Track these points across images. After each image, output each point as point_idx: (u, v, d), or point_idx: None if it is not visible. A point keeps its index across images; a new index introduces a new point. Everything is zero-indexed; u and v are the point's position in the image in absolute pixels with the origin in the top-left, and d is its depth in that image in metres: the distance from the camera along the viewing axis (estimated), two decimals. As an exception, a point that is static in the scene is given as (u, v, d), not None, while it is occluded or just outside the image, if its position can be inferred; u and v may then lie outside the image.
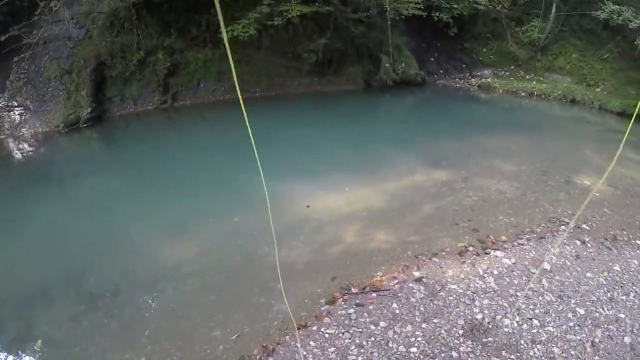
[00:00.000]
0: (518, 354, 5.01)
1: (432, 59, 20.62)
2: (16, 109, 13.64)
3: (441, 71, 20.34)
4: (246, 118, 2.11)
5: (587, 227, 8.02)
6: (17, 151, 12.48)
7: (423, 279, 6.17)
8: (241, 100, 2.13)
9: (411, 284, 6.06)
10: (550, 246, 7.16)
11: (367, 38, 17.48)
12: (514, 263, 6.61)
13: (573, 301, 6.02)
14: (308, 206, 8.36)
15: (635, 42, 17.61)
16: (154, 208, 8.61)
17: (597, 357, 5.17)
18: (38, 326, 5.70)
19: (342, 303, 5.76)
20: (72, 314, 5.85)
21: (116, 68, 14.26)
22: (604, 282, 6.59)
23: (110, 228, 7.93)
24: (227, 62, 15.20)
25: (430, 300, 5.75)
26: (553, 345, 5.21)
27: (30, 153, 12.44)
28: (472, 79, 19.75)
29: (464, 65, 20.72)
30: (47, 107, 13.67)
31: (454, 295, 5.84)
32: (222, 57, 15.54)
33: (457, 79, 19.83)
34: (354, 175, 9.75)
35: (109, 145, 13.06)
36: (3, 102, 13.48)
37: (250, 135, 2.27)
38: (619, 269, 7.01)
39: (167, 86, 14.93)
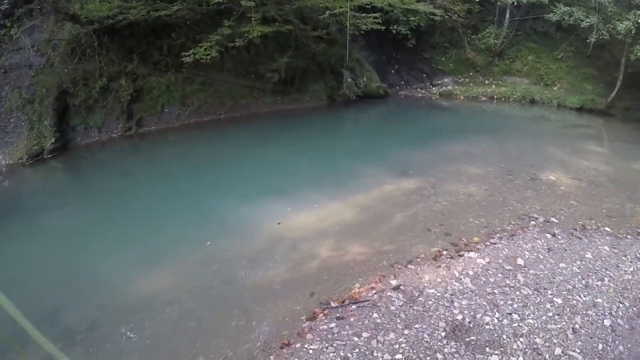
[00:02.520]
0: (502, 349, 5.16)
1: (393, 71, 21.19)
2: (-23, 140, 13.28)
3: (402, 82, 20.91)
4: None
5: (556, 220, 8.35)
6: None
7: (401, 287, 6.28)
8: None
9: (389, 293, 6.16)
10: (522, 242, 7.40)
11: (328, 54, 17.90)
12: (488, 262, 6.82)
13: (550, 292, 6.25)
14: (279, 223, 8.42)
15: (588, 40, 18.65)
16: (125, 238, 8.48)
17: (579, 343, 5.39)
18: (14, 370, 5.53)
19: (323, 318, 5.81)
20: (49, 352, 5.69)
21: (79, 96, 14.06)
22: (578, 271, 6.86)
23: (82, 262, 7.75)
24: (190, 85, 15.48)
25: (410, 306, 5.86)
26: (535, 336, 5.39)
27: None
28: (433, 88, 20.40)
29: (424, 75, 21.37)
30: (10, 139, 13.31)
31: (433, 299, 5.97)
32: (185, 80, 15.59)
33: (419, 89, 20.44)
34: (324, 190, 9.88)
35: (75, 176, 12.83)
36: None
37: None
38: (591, 257, 7.32)
39: (131, 113, 14.81)
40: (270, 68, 16.37)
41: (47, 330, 6.14)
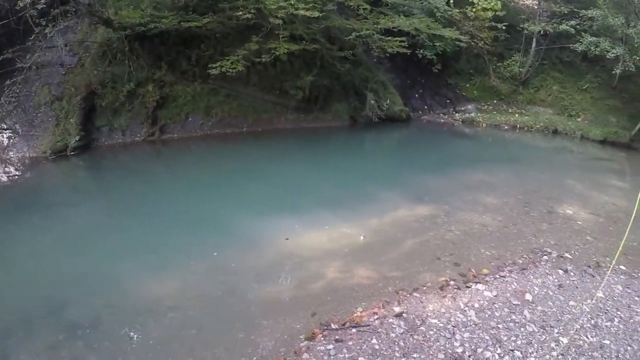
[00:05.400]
0: (501, 387, 5.05)
1: (416, 95, 21.16)
2: (5, 131, 13.71)
3: (425, 107, 20.85)
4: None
5: (569, 256, 8.16)
6: (3, 174, 12.44)
7: (403, 314, 6.22)
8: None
9: (391, 319, 6.10)
10: (532, 277, 7.26)
11: (352, 75, 18.06)
12: (495, 295, 6.69)
13: (556, 330, 6.08)
14: (287, 239, 8.45)
15: (613, 72, 18.44)
16: (137, 241, 8.65)
17: None
18: (16, 355, 5.65)
19: (322, 339, 5.77)
20: (51, 343, 5.81)
21: (106, 98, 14.49)
22: (588, 310, 6.66)
23: (93, 260, 7.94)
24: (215, 96, 15.79)
25: (410, 335, 5.79)
26: (536, 375, 5.25)
27: (16, 177, 12.40)
28: (456, 114, 20.27)
29: (447, 101, 21.29)
30: (36, 133, 13.79)
31: (434, 330, 5.88)
32: (210, 91, 15.90)
33: (442, 114, 20.34)
34: (337, 211, 9.87)
35: (95, 175, 13.17)
36: (-8, 124, 13.67)
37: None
38: (603, 296, 7.11)
39: (155, 118, 15.16)
40: (295, 85, 16.61)
41: (52, 322, 6.34)
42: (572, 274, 7.60)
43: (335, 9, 17.18)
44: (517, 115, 20.04)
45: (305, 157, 14.36)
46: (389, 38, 16.45)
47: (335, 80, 17.70)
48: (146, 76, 15.15)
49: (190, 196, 11.07)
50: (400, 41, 16.46)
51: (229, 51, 15.00)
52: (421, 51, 18.85)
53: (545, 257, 8.05)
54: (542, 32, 20.24)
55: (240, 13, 13.89)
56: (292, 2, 14.03)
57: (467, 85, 21.82)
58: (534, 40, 20.69)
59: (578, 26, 19.32)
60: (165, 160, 14.20)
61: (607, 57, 18.21)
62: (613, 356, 5.77)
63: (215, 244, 8.31)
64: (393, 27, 16.76)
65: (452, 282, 7.07)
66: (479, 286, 6.93)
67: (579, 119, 19.80)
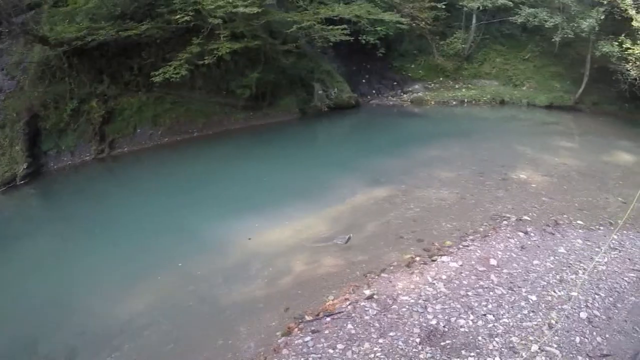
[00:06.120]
0: (478, 351, 5.19)
1: (363, 81, 21.46)
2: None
3: (374, 91, 21.15)
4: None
5: (528, 218, 8.49)
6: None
7: (374, 296, 6.29)
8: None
9: (363, 303, 6.17)
10: (494, 242, 7.49)
11: (298, 68, 18.10)
12: (461, 265, 6.88)
13: (524, 290, 6.32)
14: (249, 239, 8.43)
15: (553, 40, 19.23)
16: (101, 263, 8.41)
17: (556, 338, 5.46)
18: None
19: (298, 332, 5.80)
20: None
21: (50, 119, 13.97)
22: (552, 266, 6.97)
23: (59, 288, 7.70)
24: (162, 105, 15.43)
25: (384, 315, 5.87)
26: (511, 335, 5.44)
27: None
28: (404, 95, 20.70)
29: (395, 83, 21.68)
30: None
31: (407, 306, 5.99)
32: (156, 100, 15.57)
33: (390, 97, 20.72)
34: (297, 204, 9.91)
35: (49, 202, 12.69)
36: None
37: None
38: (565, 251, 7.46)
39: (103, 135, 14.70)
40: (241, 84, 16.47)
41: (26, 360, 6.09)
42: (532, 234, 7.91)
43: (274, 3, 17.12)
44: (464, 90, 20.64)
45: (259, 154, 14.28)
46: (331, 27, 16.52)
47: (281, 74, 17.66)
48: (89, 92, 14.67)
49: (147, 209, 10.84)
50: (342, 29, 16.56)
51: (171, 56, 14.68)
52: (364, 37, 19.01)
53: (505, 222, 8.35)
54: (481, 8, 20.78)
55: (179, 16, 13.58)
56: (230, 0, 13.85)
57: (413, 66, 22.24)
58: (474, 16, 21.29)
59: None
60: (117, 177, 13.81)
61: (546, 26, 18.96)
62: (582, 305, 6.08)
63: (180, 253, 8.20)
64: (334, 16, 16.85)
65: (417, 258, 7.22)
66: (444, 258, 7.11)
67: (524, 88, 20.61)
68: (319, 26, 16.36)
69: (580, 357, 5.20)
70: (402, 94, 20.89)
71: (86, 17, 14.52)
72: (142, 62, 15.35)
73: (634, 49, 17.00)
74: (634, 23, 16.91)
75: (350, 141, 15.99)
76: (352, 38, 17.20)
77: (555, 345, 5.32)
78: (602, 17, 17.20)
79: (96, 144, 14.50)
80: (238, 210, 10.01)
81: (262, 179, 11.98)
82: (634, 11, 16.90)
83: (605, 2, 17.16)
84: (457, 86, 21.23)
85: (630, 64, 17.19)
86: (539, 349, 5.27)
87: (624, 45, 17.13)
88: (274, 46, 16.59)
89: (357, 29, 18.05)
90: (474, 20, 21.38)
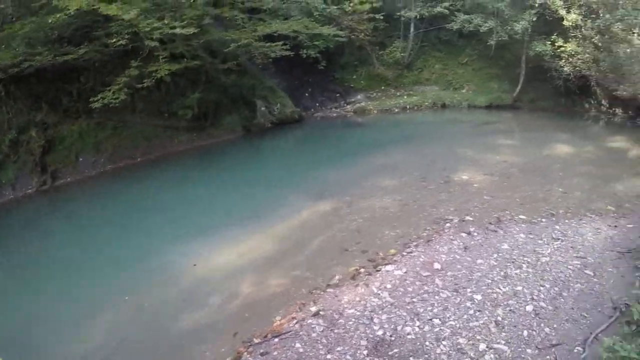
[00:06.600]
0: (426, 356, 5.19)
1: (306, 95, 21.62)
2: None
3: (317, 104, 21.34)
4: None
5: (470, 218, 8.68)
6: None
7: (320, 312, 6.23)
8: None
9: (310, 320, 6.10)
10: (438, 246, 7.58)
11: (240, 85, 18.05)
12: (405, 272, 6.92)
13: (469, 290, 6.41)
14: (195, 265, 8.22)
15: (488, 43, 20.44)
16: (46, 304, 7.94)
17: (503, 334, 5.55)
18: None
19: (248, 356, 5.67)
20: None
21: None
22: (495, 264, 7.12)
23: (5, 333, 7.20)
24: (103, 131, 14.97)
25: (331, 330, 5.82)
26: (458, 336, 5.48)
27: None
28: (348, 106, 21.06)
29: (337, 95, 22.01)
30: None
31: (353, 320, 5.95)
32: (97, 126, 14.99)
33: (333, 109, 20.96)
34: (242, 225, 9.73)
35: None
36: None
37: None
38: (508, 247, 7.65)
39: (44, 165, 13.97)
40: (183, 105, 16.23)
41: None
42: (475, 234, 8.08)
43: (213, 22, 17.06)
44: (405, 97, 21.27)
45: (203, 176, 14.03)
46: (269, 44, 16.61)
47: (222, 93, 17.57)
48: (27, 120, 13.98)
49: (92, 242, 10.37)
50: (282, 44, 16.68)
51: (110, 80, 14.28)
52: (304, 51, 19.24)
53: (447, 225, 8.49)
54: (418, 17, 21.72)
55: (115, 40, 13.31)
56: (167, 22, 13.68)
57: (354, 77, 22.77)
58: (412, 25, 22.20)
59: (452, 7, 21.18)
60: (60, 210, 13.12)
61: (481, 31, 20.04)
62: (528, 299, 6.22)
63: (126, 286, 7.89)
64: (272, 32, 16.96)
65: (362, 270, 7.21)
66: (389, 267, 7.13)
67: (464, 91, 21.59)
68: (257, 43, 16.42)
69: (529, 350, 5.29)
70: (345, 105, 21.22)
71: (22, 42, 13.91)
72: (81, 87, 14.87)
73: (566, 46, 18.43)
74: (564, 22, 18.39)
75: (295, 156, 15.98)
76: (293, 53, 17.37)
77: (503, 342, 5.40)
78: (534, 18, 18.57)
79: (38, 175, 13.83)
80: (183, 236, 9.73)
81: (206, 202, 11.76)
82: (564, 11, 18.41)
83: (536, 5, 18.49)
84: (398, 94, 21.84)
85: (564, 60, 18.62)
86: (487, 347, 5.32)
87: (556, 44, 18.54)
88: (215, 65, 16.52)
89: (297, 43, 18.24)
90: (412, 29, 22.29)
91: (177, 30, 13.63)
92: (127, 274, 8.46)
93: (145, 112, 16.23)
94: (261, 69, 19.92)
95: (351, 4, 21.07)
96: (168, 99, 16.39)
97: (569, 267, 7.13)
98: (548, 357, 5.23)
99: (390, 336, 5.55)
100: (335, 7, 20.88)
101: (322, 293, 6.76)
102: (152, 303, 7.35)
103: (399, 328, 5.68)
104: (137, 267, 8.69)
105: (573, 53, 18.51)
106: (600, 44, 18.30)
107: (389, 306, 6.12)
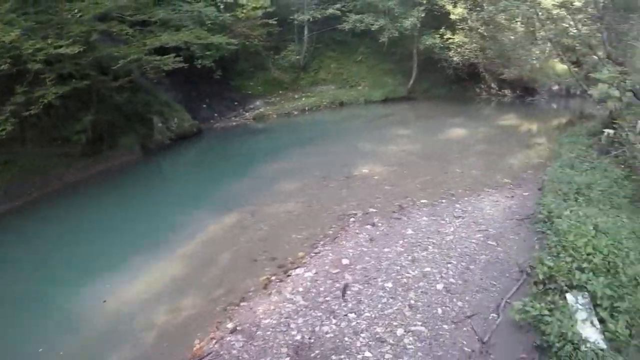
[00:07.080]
0: (347, 351, 5.29)
1: (204, 105, 21.23)
2: None
3: (216, 114, 21.00)
4: None
5: (373, 210, 8.97)
6: None
7: (237, 328, 6.14)
8: None
9: (229, 337, 5.98)
10: (344, 242, 7.76)
11: (134, 103, 17.23)
12: (315, 273, 7.01)
13: (379, 279, 6.63)
14: (104, 301, 7.74)
15: (381, 40, 21.58)
16: None
17: (419, 315, 5.81)
18: None
19: (176, 387, 5.46)
20: None
21: None
22: (402, 250, 7.43)
23: None
24: None
25: (250, 344, 5.75)
26: (375, 326, 5.66)
27: None
28: (247, 113, 21.01)
29: (236, 103, 21.86)
30: None
31: (270, 329, 5.93)
32: None
33: (233, 117, 20.80)
34: (148, 251, 9.24)
35: None
36: None
37: None
38: (412, 232, 8.00)
39: None
40: (75, 129, 15.19)
41: None
42: (379, 224, 8.38)
43: (101, 37, 16.16)
44: (303, 99, 21.68)
45: (106, 204, 13.14)
46: (160, 57, 16.08)
47: (117, 112, 16.64)
48: None
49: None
50: (175, 56, 16.21)
51: None
52: (199, 61, 18.90)
53: (352, 220, 8.73)
54: (311, 20, 22.26)
55: None
56: (50, 42, 12.71)
57: (252, 83, 22.78)
58: (306, 27, 22.81)
59: (344, 8, 22.16)
60: None
61: (372, 29, 21.14)
62: (438, 278, 6.57)
63: (39, 337, 7.15)
64: (163, 45, 16.42)
65: (273, 278, 7.19)
66: (299, 270, 7.19)
67: (360, 87, 22.62)
68: (148, 57, 15.82)
69: (446, 326, 5.60)
70: (244, 112, 21.15)
71: None
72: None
73: (454, 38, 20.20)
74: (451, 16, 20.06)
75: (196, 171, 15.57)
76: (187, 64, 16.92)
77: (419, 323, 5.66)
78: (423, 14, 20.10)
79: None
80: (87, 273, 9.04)
81: (111, 231, 11.08)
82: (450, 6, 20.07)
83: (424, 1, 19.85)
84: (296, 96, 22.23)
85: (453, 51, 20.49)
86: (405, 331, 5.55)
87: (445, 36, 20.08)
88: (106, 83, 15.59)
89: (190, 54, 17.85)
90: (306, 32, 22.99)
91: (62, 50, 12.80)
92: (38, 324, 7.68)
93: (36, 141, 14.92)
94: (155, 83, 19.20)
95: (244, 11, 21.04)
96: (59, 124, 15.21)
97: (473, 241, 7.63)
98: (465, 328, 5.57)
99: (309, 338, 5.60)
100: (228, 14, 20.74)
101: (236, 308, 6.65)
102: (67, 350, 6.75)
103: (316, 329, 5.74)
104: (45, 316, 7.90)
105: (461, 44, 20.28)
106: (485, 34, 20.19)
107: (304, 309, 6.17)
